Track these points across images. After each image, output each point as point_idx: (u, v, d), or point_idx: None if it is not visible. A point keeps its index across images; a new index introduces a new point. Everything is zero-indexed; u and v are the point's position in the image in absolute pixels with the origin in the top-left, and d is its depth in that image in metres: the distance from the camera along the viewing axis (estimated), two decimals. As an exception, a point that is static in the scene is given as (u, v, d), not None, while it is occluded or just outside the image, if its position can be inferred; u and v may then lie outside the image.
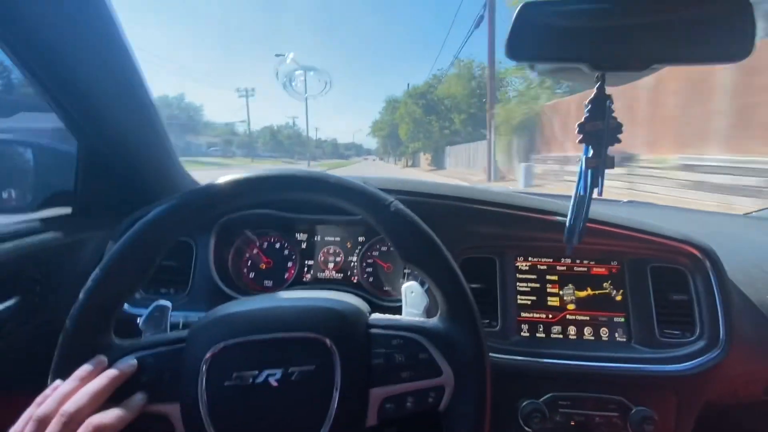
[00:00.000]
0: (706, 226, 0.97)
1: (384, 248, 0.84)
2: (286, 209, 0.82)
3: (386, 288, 0.83)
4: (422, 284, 0.58)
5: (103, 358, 0.41)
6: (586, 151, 0.58)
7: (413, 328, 0.46)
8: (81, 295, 0.41)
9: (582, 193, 0.60)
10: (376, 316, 0.48)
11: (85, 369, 0.40)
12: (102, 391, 0.38)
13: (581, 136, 0.57)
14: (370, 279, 0.84)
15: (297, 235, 0.85)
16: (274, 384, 0.41)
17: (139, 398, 0.40)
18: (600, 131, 0.56)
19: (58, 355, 0.41)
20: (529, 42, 0.55)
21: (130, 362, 0.41)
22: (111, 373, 0.40)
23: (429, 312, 0.53)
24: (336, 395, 0.41)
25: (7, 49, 0.58)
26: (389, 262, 0.84)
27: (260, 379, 0.41)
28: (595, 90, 0.57)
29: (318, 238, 0.85)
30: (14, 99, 0.94)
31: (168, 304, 0.51)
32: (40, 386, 0.40)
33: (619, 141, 0.57)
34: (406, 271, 0.81)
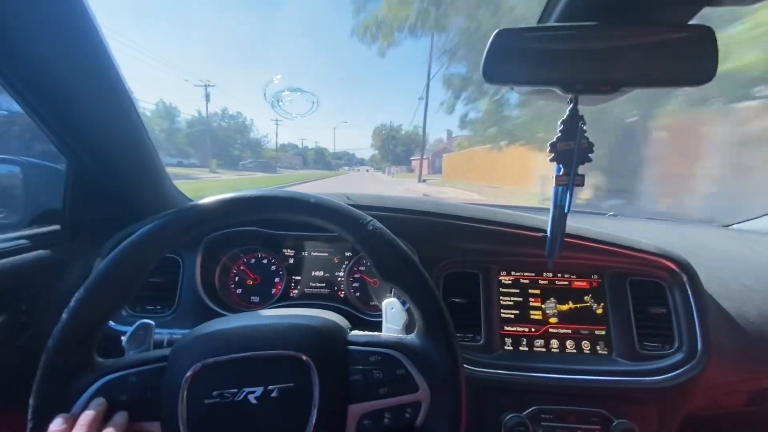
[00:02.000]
0: (686, 239, 0.99)
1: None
2: (273, 226, 0.83)
3: (373, 303, 0.84)
4: (402, 301, 0.59)
5: (66, 416, 0.40)
6: (558, 170, 0.60)
7: (391, 345, 0.47)
8: (63, 315, 0.42)
9: (553, 208, 0.62)
10: (355, 332, 0.50)
11: (54, 431, 0.39)
12: None
13: (552, 155, 0.59)
14: (357, 294, 0.85)
15: (284, 251, 0.86)
16: (254, 402, 0.42)
17: (120, 419, 0.41)
18: (571, 150, 0.58)
19: (40, 374, 0.41)
20: (504, 66, 0.57)
21: (98, 401, 0.41)
22: (84, 421, 0.39)
23: (408, 328, 0.54)
24: (314, 412, 0.42)
25: None
26: (376, 278, 0.85)
27: (240, 397, 0.42)
28: (567, 111, 0.60)
29: (305, 253, 0.86)
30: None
31: (151, 322, 0.52)
32: (24, 405, 0.40)
33: (590, 160, 0.59)
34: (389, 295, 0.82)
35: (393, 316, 0.57)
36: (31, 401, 0.40)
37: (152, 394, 0.42)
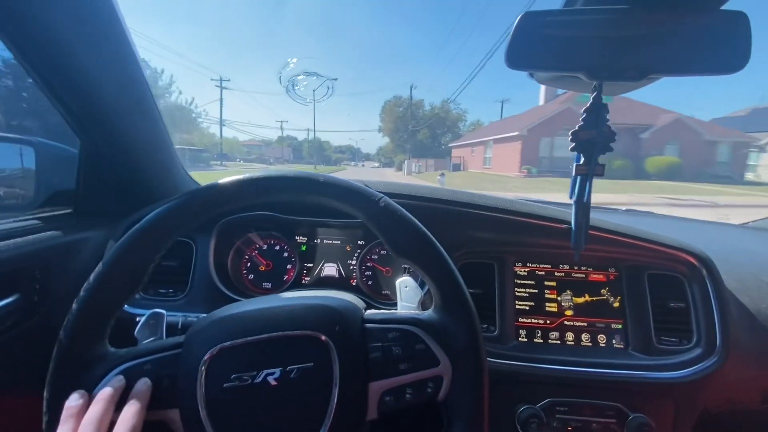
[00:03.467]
0: (703, 236, 0.98)
1: (383, 252, 0.84)
2: (286, 211, 0.82)
3: (385, 291, 0.84)
4: (416, 278, 0.58)
5: (83, 392, 0.40)
6: (578, 159, 0.58)
7: (409, 321, 0.46)
8: (74, 305, 0.41)
9: (572, 198, 0.61)
10: (371, 311, 0.49)
11: (72, 406, 0.38)
12: (102, 418, 0.37)
13: (574, 144, 0.58)
14: (369, 282, 0.84)
15: (297, 237, 0.86)
16: (273, 383, 0.41)
17: (143, 386, 0.41)
18: (593, 139, 0.57)
19: (53, 366, 0.40)
20: (528, 51, 0.56)
21: (117, 379, 0.41)
22: (102, 396, 0.39)
23: (424, 305, 0.54)
24: (335, 391, 0.41)
25: (14, 49, 0.59)
26: (388, 266, 0.84)
27: (259, 379, 0.41)
28: (591, 99, 0.58)
29: (318, 240, 0.86)
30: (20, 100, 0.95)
31: (162, 311, 0.51)
32: (37, 388, 0.40)
33: (611, 149, 0.58)
34: (405, 267, 0.82)
35: (407, 294, 0.56)
36: (45, 393, 0.40)
37: (169, 382, 0.42)
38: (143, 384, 0.41)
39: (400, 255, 0.47)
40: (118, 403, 0.40)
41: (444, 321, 0.46)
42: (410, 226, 0.46)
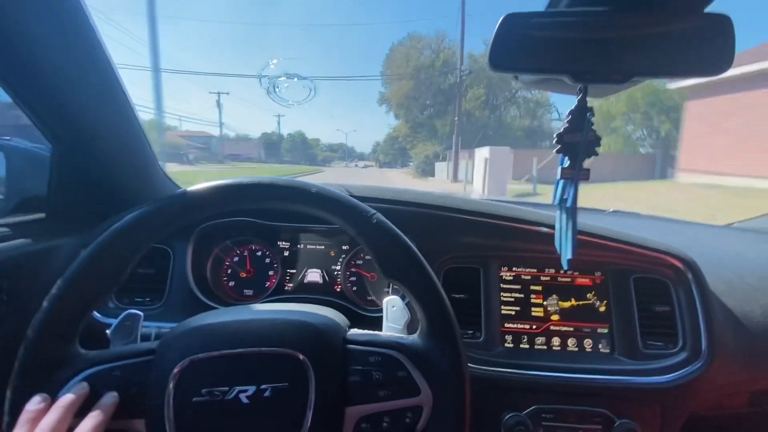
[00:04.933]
0: (689, 237, 0.98)
1: (368, 257, 0.83)
2: (268, 217, 0.80)
3: (370, 297, 0.82)
4: (404, 298, 0.56)
5: (45, 396, 0.39)
6: (562, 162, 0.58)
7: (392, 345, 0.45)
8: (44, 303, 0.40)
9: (554, 203, 0.60)
10: (354, 331, 0.47)
11: (31, 410, 0.37)
12: (58, 426, 0.36)
13: (559, 146, 0.57)
14: (354, 288, 0.83)
15: (279, 243, 0.84)
16: (246, 401, 0.40)
17: (109, 400, 0.39)
18: (577, 143, 0.56)
19: (18, 366, 0.39)
20: (511, 53, 0.55)
21: (80, 386, 0.39)
22: (62, 402, 0.37)
23: (410, 327, 0.52)
24: (309, 414, 0.40)
25: None
26: (373, 272, 0.83)
27: (231, 396, 0.40)
28: (576, 102, 0.58)
29: (301, 246, 0.84)
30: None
31: (140, 313, 0.50)
32: (0, 399, 0.38)
33: (596, 154, 0.57)
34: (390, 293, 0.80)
35: (394, 314, 0.54)
36: (8, 394, 0.38)
37: (137, 390, 0.40)
38: (110, 397, 0.39)
39: (389, 277, 0.45)
40: (81, 410, 0.38)
41: (428, 348, 0.44)
42: (402, 248, 0.45)
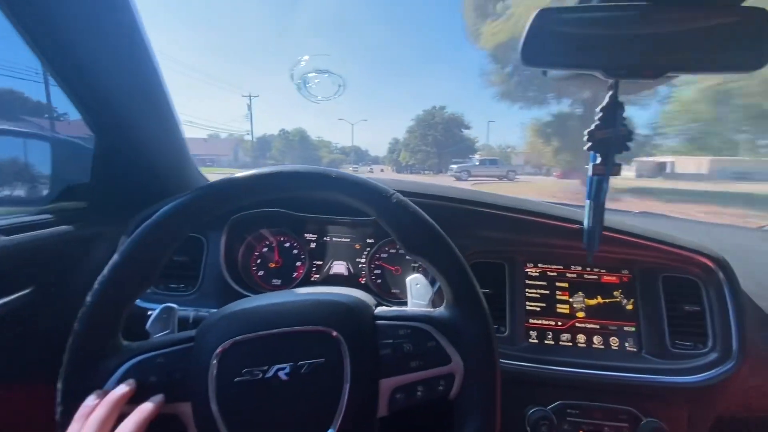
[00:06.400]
0: (719, 238, 0.96)
1: (393, 251, 0.84)
2: (296, 208, 0.82)
3: (394, 290, 0.83)
4: (426, 275, 0.58)
5: (100, 392, 0.40)
6: (593, 158, 0.58)
7: (420, 318, 0.46)
8: (88, 298, 0.41)
9: (588, 199, 0.60)
10: (381, 308, 0.49)
11: (87, 406, 0.39)
12: (105, 422, 0.38)
13: (590, 144, 0.57)
14: (378, 281, 0.84)
15: (306, 235, 0.86)
16: (284, 378, 0.41)
17: (151, 403, 0.40)
18: (609, 138, 0.56)
19: (67, 359, 0.41)
20: (544, 48, 0.55)
21: (128, 382, 0.41)
22: (110, 398, 0.39)
23: (434, 303, 0.53)
24: (346, 387, 0.41)
25: (33, 44, 0.60)
26: (397, 265, 0.84)
27: (270, 374, 0.41)
28: (607, 98, 0.58)
29: (327, 238, 0.86)
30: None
31: (174, 306, 0.52)
32: (53, 378, 0.40)
33: (628, 148, 0.57)
34: (414, 266, 0.81)
35: (418, 291, 0.56)
36: (59, 385, 0.40)
37: (180, 375, 0.42)
38: (156, 398, 0.41)
39: (412, 252, 0.47)
40: (134, 398, 0.40)
41: (455, 318, 0.46)
42: (422, 223, 0.46)
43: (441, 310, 0.47)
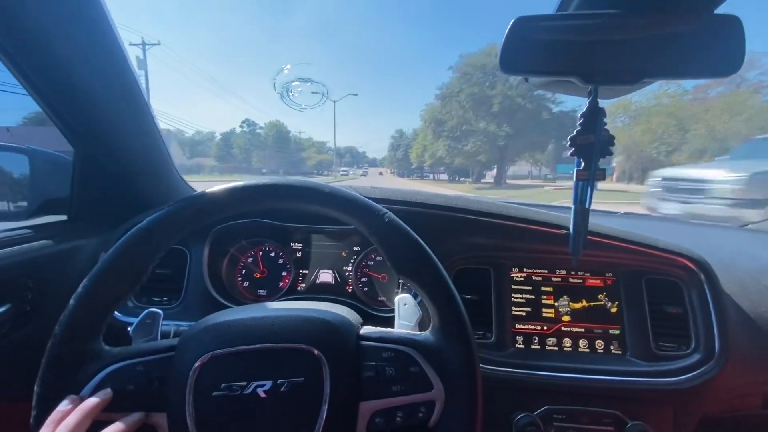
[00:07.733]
0: (702, 239, 0.97)
1: (379, 258, 0.84)
2: (281, 218, 0.82)
3: (381, 298, 0.83)
4: (415, 296, 0.57)
5: (74, 397, 0.40)
6: (578, 164, 0.58)
7: (404, 341, 0.45)
8: (71, 301, 0.41)
9: (575, 204, 0.60)
10: (367, 328, 0.48)
11: (60, 411, 0.38)
12: (76, 429, 0.37)
13: (572, 149, 0.58)
14: (365, 289, 0.84)
15: (292, 244, 0.85)
16: (263, 395, 0.41)
17: (131, 419, 0.40)
18: (591, 144, 0.57)
19: (46, 362, 0.40)
20: (522, 56, 0.55)
21: (104, 391, 0.41)
22: (84, 406, 0.39)
23: (422, 324, 0.53)
24: (324, 408, 0.41)
25: (5, 58, 0.58)
26: (384, 273, 0.83)
27: (249, 390, 0.41)
28: (587, 103, 0.58)
29: (313, 247, 0.85)
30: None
31: (159, 312, 0.52)
32: (25, 397, 0.40)
33: (610, 153, 0.58)
34: (401, 281, 0.81)
35: (406, 312, 0.55)
36: (36, 389, 0.40)
37: (159, 385, 0.42)
38: (136, 415, 0.41)
39: (401, 274, 0.46)
40: (111, 406, 0.40)
41: (440, 344, 0.45)
42: (413, 245, 0.46)
43: (426, 335, 0.47)
